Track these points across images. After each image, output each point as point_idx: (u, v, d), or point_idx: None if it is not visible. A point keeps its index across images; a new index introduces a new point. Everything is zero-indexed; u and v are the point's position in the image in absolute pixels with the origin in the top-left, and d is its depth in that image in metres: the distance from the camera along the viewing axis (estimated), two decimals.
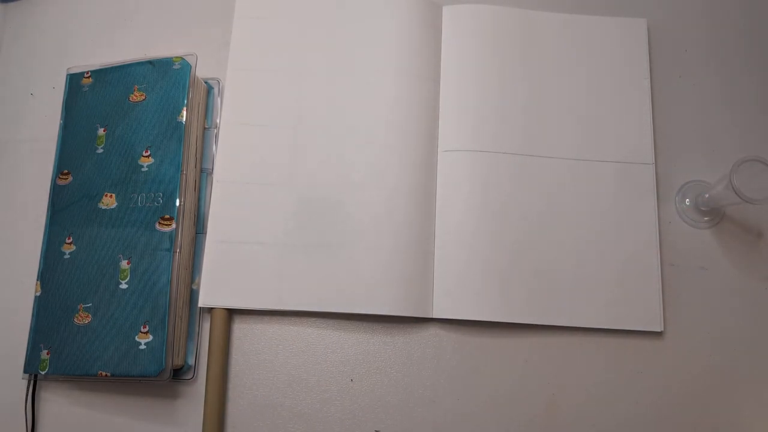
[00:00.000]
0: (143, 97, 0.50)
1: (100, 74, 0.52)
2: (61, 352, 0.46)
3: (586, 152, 0.52)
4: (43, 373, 0.46)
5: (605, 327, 0.48)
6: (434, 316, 0.48)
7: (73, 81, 0.52)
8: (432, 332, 0.49)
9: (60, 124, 0.52)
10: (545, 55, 0.54)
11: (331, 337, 0.49)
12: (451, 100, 0.52)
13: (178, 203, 0.47)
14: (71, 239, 0.48)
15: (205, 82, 0.53)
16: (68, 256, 0.48)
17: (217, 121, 0.52)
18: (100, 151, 0.50)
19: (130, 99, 0.50)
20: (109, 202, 0.48)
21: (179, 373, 0.47)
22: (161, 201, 0.47)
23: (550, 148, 0.52)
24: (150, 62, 0.51)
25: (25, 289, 0.50)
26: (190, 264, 0.49)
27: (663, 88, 0.54)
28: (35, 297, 0.48)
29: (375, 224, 0.49)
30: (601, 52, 0.54)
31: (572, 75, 0.53)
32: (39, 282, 0.48)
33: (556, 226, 0.50)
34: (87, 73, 0.52)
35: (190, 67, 0.50)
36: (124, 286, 0.46)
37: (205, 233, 0.49)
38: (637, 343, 0.48)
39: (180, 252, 0.47)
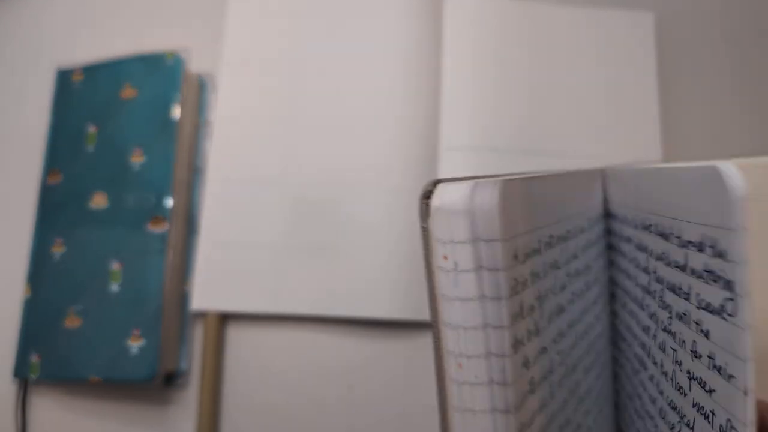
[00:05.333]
0: (134, 94, 0.48)
1: (90, 71, 0.50)
2: (51, 357, 0.45)
3: (592, 149, 0.50)
4: (33, 377, 0.45)
5: None
6: None
7: (63, 78, 0.51)
8: None
9: (49, 121, 0.50)
10: (550, 50, 0.52)
11: (329, 342, 0.47)
12: (454, 96, 0.51)
13: (170, 203, 0.46)
14: (61, 240, 0.47)
15: (199, 78, 0.52)
16: (58, 258, 0.47)
17: (211, 117, 0.51)
18: (90, 149, 0.48)
19: (121, 96, 0.48)
20: (99, 202, 0.47)
21: (172, 379, 0.46)
22: (153, 201, 0.46)
23: (555, 145, 0.50)
24: (141, 57, 0.49)
25: (14, 291, 0.48)
26: (182, 266, 0.47)
27: (671, 84, 0.52)
28: (24, 299, 0.47)
29: (374, 224, 0.47)
30: (608, 46, 0.52)
31: (578, 70, 0.52)
32: (28, 284, 0.47)
33: None
34: (77, 69, 0.51)
35: (183, 62, 0.49)
36: (115, 288, 0.45)
37: (198, 234, 0.48)
38: None
39: (173, 253, 0.45)
